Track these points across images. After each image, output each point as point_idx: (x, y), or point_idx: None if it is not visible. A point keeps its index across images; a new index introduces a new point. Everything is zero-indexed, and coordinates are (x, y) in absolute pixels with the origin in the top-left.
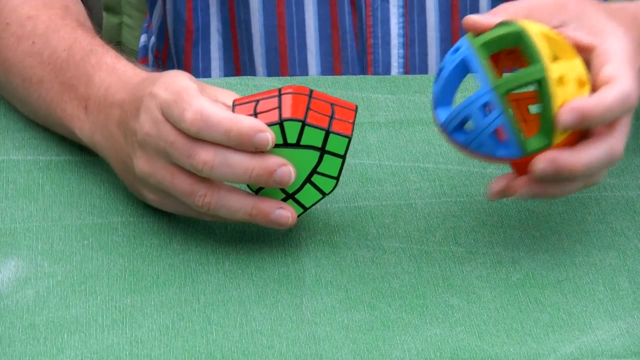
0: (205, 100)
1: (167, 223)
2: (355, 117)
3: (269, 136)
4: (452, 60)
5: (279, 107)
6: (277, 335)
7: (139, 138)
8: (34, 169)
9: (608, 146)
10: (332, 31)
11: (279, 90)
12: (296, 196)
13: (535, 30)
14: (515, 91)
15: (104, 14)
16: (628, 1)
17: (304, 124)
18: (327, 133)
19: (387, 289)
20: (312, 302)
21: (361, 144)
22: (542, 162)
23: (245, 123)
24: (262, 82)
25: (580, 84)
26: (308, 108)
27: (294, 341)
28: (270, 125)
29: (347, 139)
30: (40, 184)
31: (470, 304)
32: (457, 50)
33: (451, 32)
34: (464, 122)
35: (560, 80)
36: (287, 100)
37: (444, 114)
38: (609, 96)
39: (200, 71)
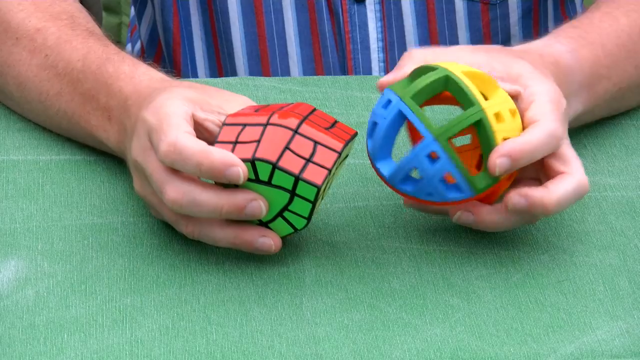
0: (183, 131)
1: (167, 223)
2: (339, 156)
3: (240, 171)
4: (386, 114)
5: (259, 141)
6: (277, 335)
7: (131, 162)
8: (34, 169)
9: (576, 180)
10: (312, 37)
11: (269, 117)
12: (269, 225)
13: (459, 71)
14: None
15: (104, 14)
16: (535, 42)
17: (274, 167)
18: (297, 179)
19: (387, 289)
20: (312, 302)
21: (361, 144)
22: (516, 197)
23: (216, 157)
24: (262, 82)
25: (513, 113)
26: (286, 147)
27: (294, 341)
28: (243, 160)
29: (316, 189)
30: (40, 184)
31: (470, 304)
32: (388, 103)
33: (429, 35)
34: (409, 173)
35: (497, 117)
36: (269, 134)
37: (386, 168)
38: (534, 137)
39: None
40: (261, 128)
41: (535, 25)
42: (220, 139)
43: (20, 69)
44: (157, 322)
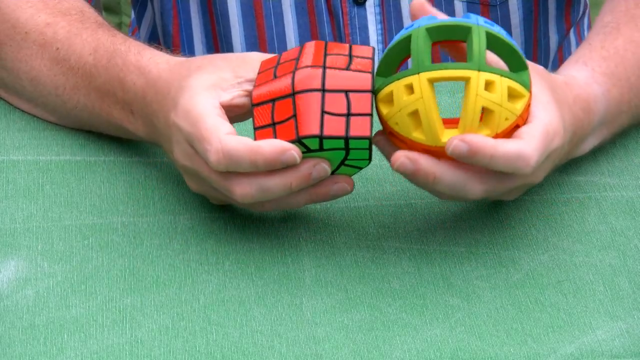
0: (224, 134)
1: (167, 223)
2: (372, 85)
3: (294, 153)
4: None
5: (295, 117)
6: (277, 336)
7: (180, 167)
8: (34, 169)
9: (522, 150)
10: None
11: (292, 83)
12: (335, 173)
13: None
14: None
15: (104, 14)
16: (575, 72)
17: (321, 138)
18: (347, 139)
19: (387, 289)
20: (312, 302)
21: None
22: (456, 141)
23: (267, 150)
24: None
25: (515, 95)
26: (323, 112)
27: (294, 341)
28: (290, 142)
29: (367, 139)
30: (40, 184)
31: (470, 304)
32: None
33: None
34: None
35: (489, 85)
36: (301, 105)
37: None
38: (504, 147)
39: None
40: (290, 100)
41: (535, 27)
42: (257, 124)
43: (33, 64)
44: (157, 322)
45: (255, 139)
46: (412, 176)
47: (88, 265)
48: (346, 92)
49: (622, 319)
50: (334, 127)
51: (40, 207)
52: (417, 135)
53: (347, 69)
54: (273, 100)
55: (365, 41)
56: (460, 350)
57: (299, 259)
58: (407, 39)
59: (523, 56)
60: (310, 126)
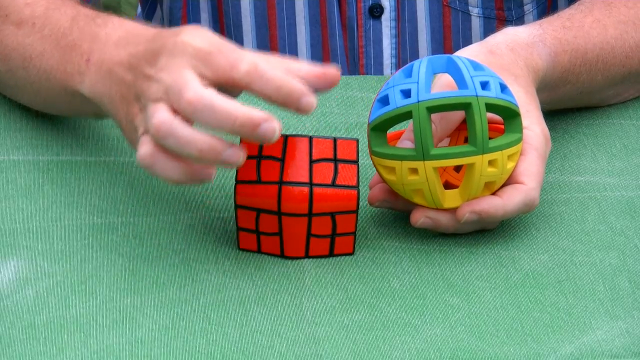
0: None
1: (167, 223)
2: (357, 202)
3: (276, 126)
4: (399, 103)
5: (280, 235)
6: (277, 335)
7: (127, 61)
8: (34, 169)
9: (529, 195)
10: (323, 53)
11: (279, 200)
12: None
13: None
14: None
15: None
16: (522, 30)
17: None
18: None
19: (387, 289)
20: (312, 302)
21: (361, 144)
22: (467, 214)
23: (294, 82)
24: None
25: (512, 158)
26: (309, 234)
27: (294, 341)
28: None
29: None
30: (40, 184)
31: (470, 304)
32: (407, 95)
33: (443, 52)
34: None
35: (492, 163)
36: (287, 225)
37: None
38: (511, 203)
39: None
40: (276, 218)
41: None
42: (240, 224)
43: (8, 42)
44: (157, 322)
45: (238, 242)
46: (433, 229)
47: (88, 265)
48: (332, 214)
49: (622, 319)
50: (319, 248)
51: (40, 207)
52: (419, 201)
53: (333, 184)
54: (258, 210)
55: (378, 54)
56: (460, 350)
57: (299, 259)
58: (408, 114)
59: (516, 105)
60: (296, 249)
